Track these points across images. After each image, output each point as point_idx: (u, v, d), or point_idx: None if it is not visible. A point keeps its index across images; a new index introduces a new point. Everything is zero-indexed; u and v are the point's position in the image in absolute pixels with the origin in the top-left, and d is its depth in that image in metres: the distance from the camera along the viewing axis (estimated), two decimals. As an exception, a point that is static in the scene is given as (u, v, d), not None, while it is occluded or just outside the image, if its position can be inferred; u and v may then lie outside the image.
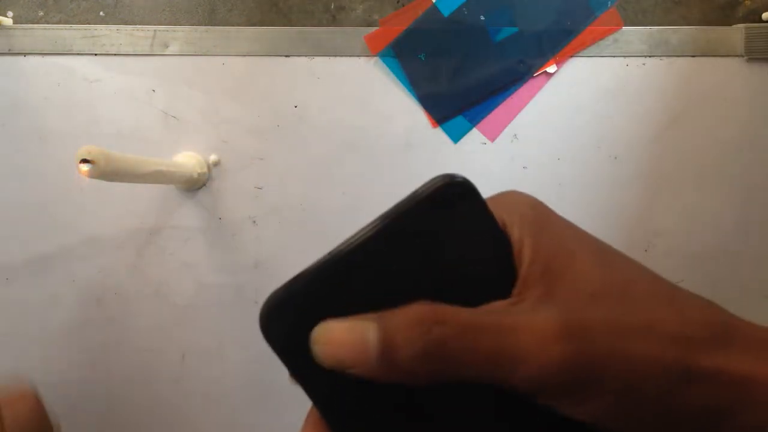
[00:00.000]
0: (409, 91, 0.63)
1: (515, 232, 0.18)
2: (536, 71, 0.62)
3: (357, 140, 0.63)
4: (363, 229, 0.18)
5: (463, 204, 0.18)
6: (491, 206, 0.19)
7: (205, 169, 0.63)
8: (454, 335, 0.16)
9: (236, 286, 0.64)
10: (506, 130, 0.63)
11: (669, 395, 0.16)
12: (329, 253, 0.18)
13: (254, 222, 0.64)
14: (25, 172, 0.64)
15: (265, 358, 0.64)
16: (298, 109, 0.63)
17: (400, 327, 0.16)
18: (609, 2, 0.62)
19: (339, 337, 0.17)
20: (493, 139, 0.63)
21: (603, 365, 0.16)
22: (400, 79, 0.63)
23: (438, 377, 0.17)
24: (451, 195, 0.18)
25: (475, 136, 0.63)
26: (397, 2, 0.64)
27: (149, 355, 0.65)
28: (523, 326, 0.16)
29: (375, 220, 0.18)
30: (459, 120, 0.63)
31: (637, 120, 0.62)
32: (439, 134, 0.63)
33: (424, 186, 0.18)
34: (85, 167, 0.44)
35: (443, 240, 0.18)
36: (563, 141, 0.63)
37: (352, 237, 0.18)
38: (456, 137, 0.63)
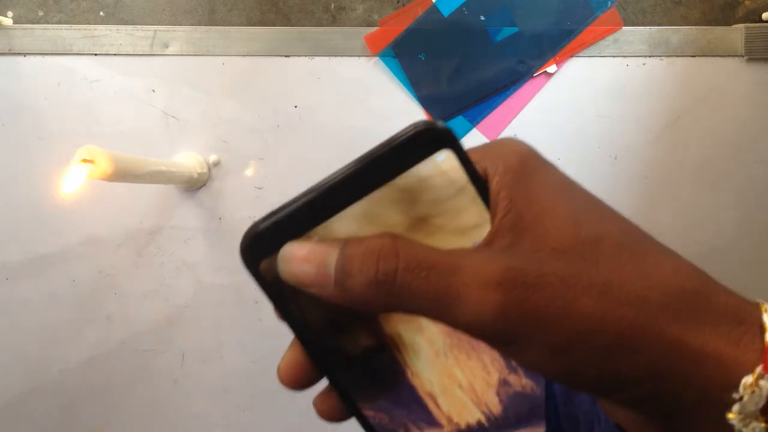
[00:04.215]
0: (409, 91, 0.63)
1: (495, 182, 0.18)
2: (536, 71, 0.62)
3: (357, 140, 0.63)
4: (339, 170, 0.18)
5: (441, 151, 0.18)
6: (478, 154, 0.19)
7: (205, 169, 0.63)
8: (405, 269, 0.17)
9: (236, 286, 0.64)
10: (506, 130, 0.63)
11: (611, 357, 0.16)
12: (306, 191, 0.18)
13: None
14: (25, 172, 0.64)
15: (265, 358, 0.64)
16: (298, 109, 0.63)
17: (358, 255, 0.17)
18: (609, 2, 0.62)
19: (303, 256, 0.18)
20: (493, 140, 0.63)
21: (541, 319, 0.16)
22: (400, 79, 0.63)
23: (388, 307, 0.17)
24: (429, 142, 0.18)
25: (475, 136, 0.63)
26: (397, 2, 0.64)
27: (149, 355, 0.65)
28: (470, 270, 0.16)
29: (351, 162, 0.18)
30: (459, 120, 0.63)
31: (637, 120, 0.62)
32: (439, 134, 0.63)
33: (402, 130, 0.18)
34: (85, 167, 0.44)
35: (418, 186, 0.18)
36: (563, 141, 0.63)
37: (329, 177, 0.18)
38: (456, 137, 0.63)
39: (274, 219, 0.18)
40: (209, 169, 0.63)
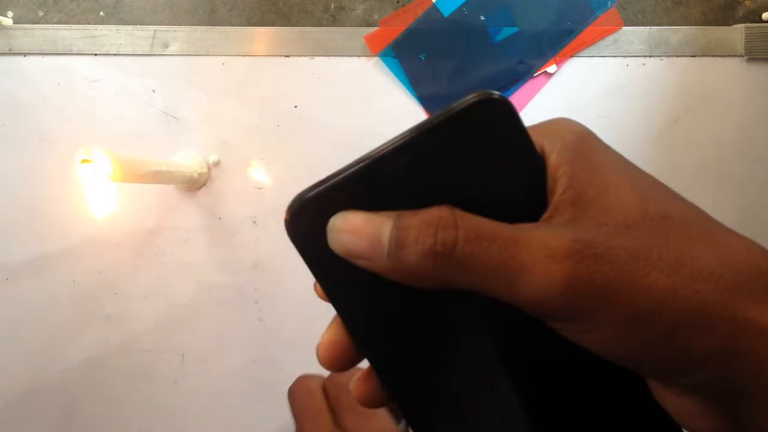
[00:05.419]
0: (409, 91, 0.63)
1: (553, 159, 0.18)
2: (536, 71, 0.62)
3: (357, 140, 0.63)
4: (393, 139, 0.17)
5: (498, 123, 0.17)
6: (534, 131, 0.18)
7: (205, 169, 0.63)
8: (465, 240, 0.16)
9: (236, 286, 0.64)
10: (506, 130, 0.63)
11: (682, 334, 0.15)
12: (357, 160, 0.17)
13: (254, 222, 0.64)
14: (24, 172, 0.64)
15: (265, 358, 0.64)
16: (298, 109, 0.63)
17: (414, 226, 0.16)
18: (609, 2, 0.62)
19: (354, 227, 0.17)
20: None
21: (610, 292, 0.15)
22: (400, 79, 0.63)
23: (444, 281, 0.16)
24: (486, 112, 0.17)
25: (475, 136, 0.63)
26: (397, 2, 0.64)
27: (149, 355, 0.65)
28: (535, 241, 0.16)
29: (406, 131, 0.17)
30: (459, 120, 0.63)
31: (637, 120, 0.62)
32: (439, 134, 0.63)
33: (459, 101, 0.17)
34: (85, 167, 0.44)
35: (474, 158, 0.17)
36: (563, 141, 0.63)
37: (382, 146, 0.17)
38: (456, 137, 0.63)
39: (321, 188, 0.17)
40: (209, 169, 0.63)
